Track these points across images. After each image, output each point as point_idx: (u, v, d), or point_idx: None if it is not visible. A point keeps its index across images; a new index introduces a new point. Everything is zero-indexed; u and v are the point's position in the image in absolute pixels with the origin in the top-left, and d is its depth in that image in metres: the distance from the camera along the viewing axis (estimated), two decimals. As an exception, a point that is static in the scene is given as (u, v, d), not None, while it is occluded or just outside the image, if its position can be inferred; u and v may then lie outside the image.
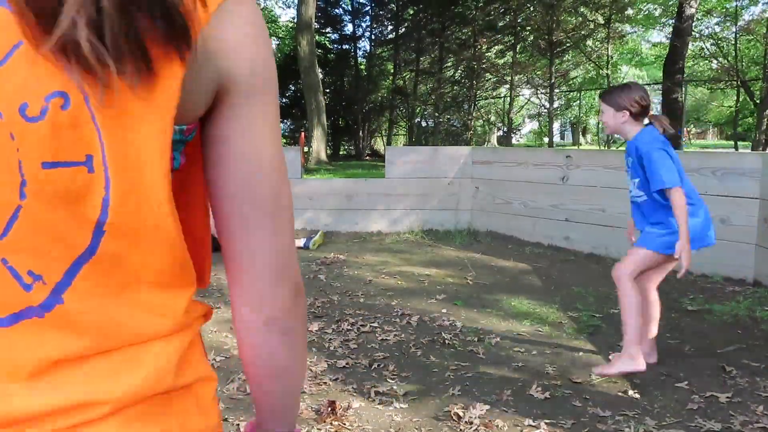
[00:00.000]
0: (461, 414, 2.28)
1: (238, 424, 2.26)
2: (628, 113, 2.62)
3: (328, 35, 22.14)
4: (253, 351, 0.63)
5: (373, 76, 21.61)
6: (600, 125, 27.32)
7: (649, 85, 29.75)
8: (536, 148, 13.09)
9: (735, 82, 17.18)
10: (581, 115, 29.07)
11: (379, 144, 22.17)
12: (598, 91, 23.00)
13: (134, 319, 0.52)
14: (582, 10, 17.08)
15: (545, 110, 21.42)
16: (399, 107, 21.43)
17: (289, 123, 25.00)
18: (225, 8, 0.51)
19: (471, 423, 2.23)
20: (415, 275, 4.53)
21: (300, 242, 5.42)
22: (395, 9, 19.93)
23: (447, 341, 3.13)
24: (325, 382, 2.61)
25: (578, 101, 24.56)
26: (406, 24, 20.15)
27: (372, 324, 3.38)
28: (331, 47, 22.27)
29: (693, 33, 15.54)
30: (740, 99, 18.29)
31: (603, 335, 3.20)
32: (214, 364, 2.82)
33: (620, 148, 21.40)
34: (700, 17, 16.74)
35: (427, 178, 6.10)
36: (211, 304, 3.79)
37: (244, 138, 0.55)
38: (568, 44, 17.55)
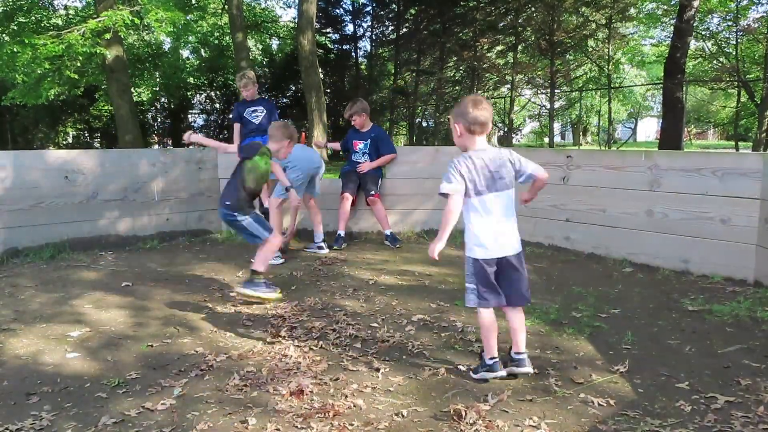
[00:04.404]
0: (462, 414, 2.28)
1: (242, 421, 2.26)
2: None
3: (328, 35, 22.12)
4: None
5: (374, 76, 21.61)
6: (600, 125, 27.16)
7: (650, 84, 29.76)
8: (537, 148, 13.09)
9: (736, 82, 17.16)
10: (582, 115, 29.05)
11: (379, 144, 22.15)
12: (599, 91, 23.01)
13: None
14: (583, 10, 17.07)
15: (546, 110, 21.41)
16: (399, 107, 21.41)
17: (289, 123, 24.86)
18: None
19: (471, 423, 2.23)
20: (416, 275, 4.53)
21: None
22: (396, 9, 19.92)
23: (448, 341, 3.13)
24: (325, 382, 2.61)
25: (579, 101, 24.53)
26: (407, 24, 20.14)
27: (372, 324, 3.38)
28: (332, 47, 22.26)
29: (694, 33, 15.52)
30: (741, 99, 18.27)
31: (604, 335, 3.20)
32: (214, 365, 2.82)
33: (621, 149, 21.38)
34: (701, 17, 16.73)
35: (428, 178, 6.10)
36: (212, 304, 3.79)
37: None
38: (569, 44, 17.54)
